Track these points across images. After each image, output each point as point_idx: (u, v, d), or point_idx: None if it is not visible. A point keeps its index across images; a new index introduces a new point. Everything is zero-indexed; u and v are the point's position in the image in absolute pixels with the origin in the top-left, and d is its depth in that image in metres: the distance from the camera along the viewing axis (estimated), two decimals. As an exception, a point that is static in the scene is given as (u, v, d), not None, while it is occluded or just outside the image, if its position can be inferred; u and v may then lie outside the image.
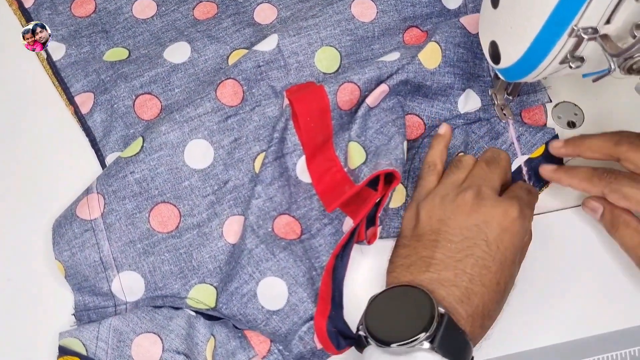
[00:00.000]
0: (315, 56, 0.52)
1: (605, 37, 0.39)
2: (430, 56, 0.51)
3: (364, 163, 0.48)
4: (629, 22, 0.38)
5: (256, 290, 0.46)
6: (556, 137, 0.53)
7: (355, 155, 0.49)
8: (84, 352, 0.46)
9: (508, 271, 0.42)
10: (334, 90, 0.49)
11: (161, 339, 0.46)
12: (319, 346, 0.46)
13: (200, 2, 0.58)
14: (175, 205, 0.49)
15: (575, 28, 0.39)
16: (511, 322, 0.49)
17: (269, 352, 0.46)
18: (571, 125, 0.55)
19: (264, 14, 0.57)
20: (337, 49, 0.53)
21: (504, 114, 0.54)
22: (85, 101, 0.54)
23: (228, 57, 0.55)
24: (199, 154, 0.50)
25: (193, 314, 0.48)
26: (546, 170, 0.50)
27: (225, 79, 0.52)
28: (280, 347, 0.46)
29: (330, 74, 0.53)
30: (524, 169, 0.52)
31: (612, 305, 0.50)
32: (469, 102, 0.54)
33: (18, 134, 0.55)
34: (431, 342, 0.38)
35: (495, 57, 0.46)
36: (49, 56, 0.57)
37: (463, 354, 0.40)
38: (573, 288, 0.50)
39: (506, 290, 0.43)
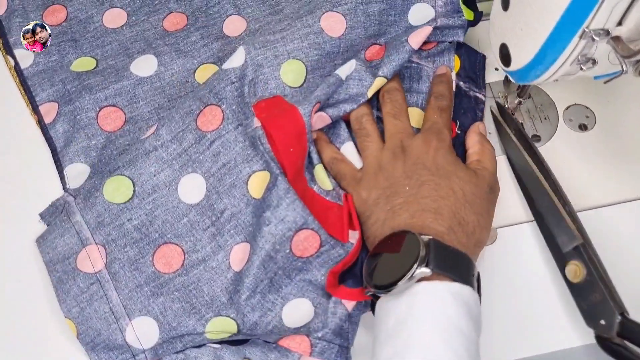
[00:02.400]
0: (281, 69, 0.51)
1: (617, 38, 0.39)
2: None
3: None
4: (641, 23, 0.38)
5: (281, 315, 0.46)
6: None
7: (325, 179, 0.50)
8: None
9: (456, 178, 0.46)
10: (308, 112, 0.48)
11: None
12: (349, 307, 0.46)
13: (171, 12, 0.58)
14: (177, 244, 0.48)
15: (586, 30, 0.38)
16: (515, 328, 0.48)
17: (312, 346, 0.46)
18: (583, 128, 0.55)
19: (233, 26, 0.57)
20: (303, 63, 0.52)
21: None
22: (49, 111, 0.54)
23: (195, 71, 0.55)
24: (192, 188, 0.49)
25: (217, 346, 0.47)
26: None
27: (204, 108, 0.50)
28: (319, 334, 0.46)
29: (295, 88, 0.51)
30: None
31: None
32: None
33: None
34: (426, 266, 0.40)
35: (506, 59, 0.46)
36: (17, 64, 0.56)
37: (462, 267, 0.42)
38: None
39: (466, 194, 0.46)
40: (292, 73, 0.51)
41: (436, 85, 0.52)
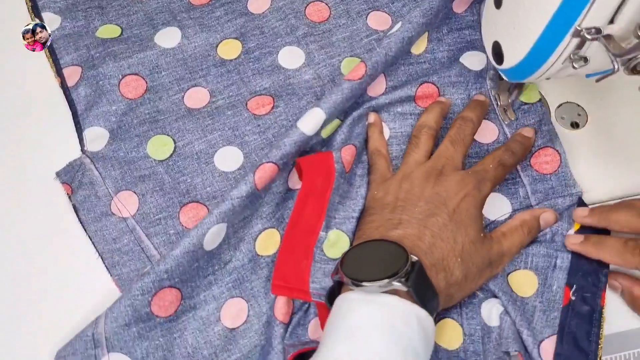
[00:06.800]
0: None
1: (608, 37, 0.39)
2: None
3: None
4: (633, 22, 0.38)
5: None
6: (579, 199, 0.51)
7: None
8: None
9: (465, 232, 0.46)
10: (337, 158, 0.49)
11: None
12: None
13: None
14: (179, 289, 0.46)
15: (578, 28, 0.39)
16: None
17: None
18: (575, 125, 0.55)
19: (257, 4, 0.59)
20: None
21: (507, 115, 0.54)
22: (72, 74, 0.55)
23: (217, 46, 0.57)
24: (214, 237, 0.47)
25: None
26: (571, 242, 0.48)
27: (266, 162, 0.48)
28: None
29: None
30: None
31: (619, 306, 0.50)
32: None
33: (3, 103, 0.56)
34: (405, 281, 0.41)
35: (499, 57, 0.46)
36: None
37: (431, 302, 0.42)
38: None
39: (464, 252, 0.45)
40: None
41: (513, 142, 0.51)
